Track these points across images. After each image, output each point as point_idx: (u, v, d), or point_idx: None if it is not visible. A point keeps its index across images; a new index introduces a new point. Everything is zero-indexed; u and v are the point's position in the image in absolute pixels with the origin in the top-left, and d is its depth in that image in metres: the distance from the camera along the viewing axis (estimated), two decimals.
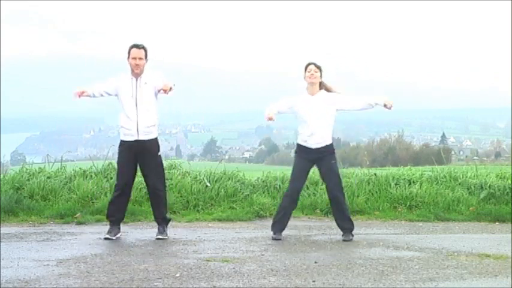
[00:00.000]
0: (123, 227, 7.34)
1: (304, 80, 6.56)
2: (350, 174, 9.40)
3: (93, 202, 8.17)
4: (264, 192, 8.76)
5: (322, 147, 6.48)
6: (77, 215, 7.76)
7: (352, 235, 6.57)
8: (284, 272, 4.95)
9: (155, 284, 4.50)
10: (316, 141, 6.47)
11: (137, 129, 6.40)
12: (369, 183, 8.95)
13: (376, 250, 5.97)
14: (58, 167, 9.52)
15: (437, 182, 9.15)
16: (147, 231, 7.08)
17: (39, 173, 9.15)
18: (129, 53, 6.43)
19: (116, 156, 6.75)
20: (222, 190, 8.59)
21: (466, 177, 9.37)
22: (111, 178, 8.72)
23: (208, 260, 5.35)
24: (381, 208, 8.48)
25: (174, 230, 7.10)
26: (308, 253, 5.78)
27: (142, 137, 6.41)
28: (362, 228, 7.35)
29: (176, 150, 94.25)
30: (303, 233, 6.96)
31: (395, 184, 8.98)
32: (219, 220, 7.81)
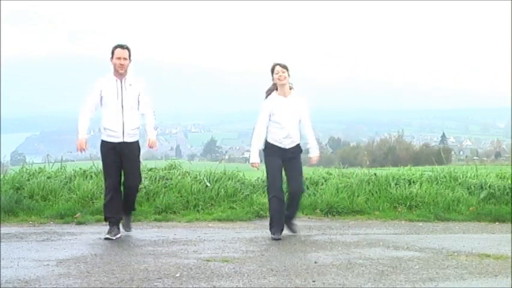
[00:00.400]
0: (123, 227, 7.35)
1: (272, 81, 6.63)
2: (350, 174, 9.40)
3: (93, 202, 8.17)
4: (264, 192, 8.75)
5: (294, 147, 6.66)
6: (77, 215, 7.76)
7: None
8: (284, 272, 4.95)
9: (155, 284, 4.50)
10: (291, 141, 6.62)
11: (123, 132, 6.41)
12: (369, 183, 8.95)
13: (376, 250, 5.97)
14: (58, 167, 9.53)
15: (437, 182, 9.15)
16: (147, 231, 7.08)
17: (39, 173, 9.16)
18: (113, 53, 6.43)
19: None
20: (222, 190, 8.59)
21: (466, 177, 9.36)
22: None
23: (208, 260, 5.35)
24: (380, 208, 8.47)
25: (174, 230, 7.11)
26: (308, 253, 5.78)
27: (126, 139, 6.44)
28: (362, 228, 7.36)
29: (176, 150, 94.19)
30: (303, 233, 6.96)
31: (395, 184, 8.98)
32: (219, 220, 7.80)
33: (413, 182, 9.09)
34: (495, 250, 5.99)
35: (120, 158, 6.48)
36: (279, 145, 6.61)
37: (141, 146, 6.67)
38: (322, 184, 9.06)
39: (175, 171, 9.19)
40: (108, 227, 6.56)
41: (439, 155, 16.22)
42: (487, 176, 9.42)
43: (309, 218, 8.17)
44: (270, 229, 6.64)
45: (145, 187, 8.52)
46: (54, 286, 4.43)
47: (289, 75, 6.60)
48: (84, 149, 6.42)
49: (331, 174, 9.58)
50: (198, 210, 8.25)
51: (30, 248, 5.91)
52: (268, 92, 6.70)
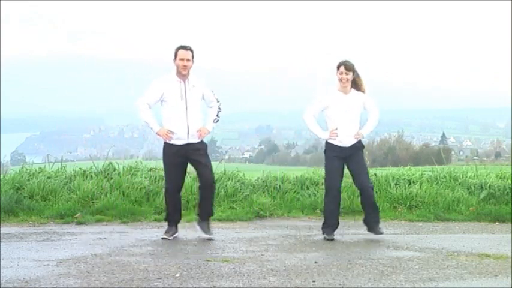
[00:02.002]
0: (123, 227, 7.36)
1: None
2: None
3: (93, 202, 8.17)
4: (264, 192, 8.76)
5: (354, 144, 6.60)
6: (77, 215, 7.76)
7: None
8: (284, 272, 4.95)
9: (155, 284, 4.50)
10: (350, 140, 6.56)
11: (188, 133, 6.38)
12: None
13: (376, 250, 5.97)
14: (58, 167, 9.53)
15: (437, 182, 9.15)
16: (147, 231, 7.08)
17: (39, 173, 9.15)
18: (176, 54, 6.38)
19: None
20: (222, 190, 8.58)
21: (466, 177, 9.37)
22: (111, 178, 8.73)
23: (208, 260, 5.35)
24: (381, 208, 8.43)
25: None
26: (308, 253, 5.78)
27: (191, 140, 6.41)
28: (362, 228, 7.35)
29: None
30: (303, 233, 6.96)
31: (395, 184, 8.98)
32: (219, 220, 7.80)
33: (413, 182, 9.09)
34: (495, 250, 5.99)
35: (185, 160, 6.46)
36: (338, 144, 6.57)
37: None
38: (322, 184, 9.04)
39: None
40: (166, 227, 6.66)
41: (439, 155, 16.24)
42: (487, 176, 9.42)
43: (309, 218, 8.17)
44: (323, 229, 6.66)
45: (145, 187, 8.52)
46: (54, 286, 4.43)
47: (353, 74, 6.52)
48: (171, 136, 6.37)
49: None
50: None
51: (30, 248, 5.91)
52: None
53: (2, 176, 8.84)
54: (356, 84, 6.63)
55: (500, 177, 9.40)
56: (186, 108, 6.36)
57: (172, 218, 6.66)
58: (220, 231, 7.12)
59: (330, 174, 6.64)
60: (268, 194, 8.76)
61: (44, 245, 6.13)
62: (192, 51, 6.42)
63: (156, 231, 7.06)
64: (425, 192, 8.74)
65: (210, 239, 6.47)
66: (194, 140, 6.42)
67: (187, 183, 8.63)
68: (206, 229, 6.57)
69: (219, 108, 6.65)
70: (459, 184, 9.11)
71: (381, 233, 6.62)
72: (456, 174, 9.48)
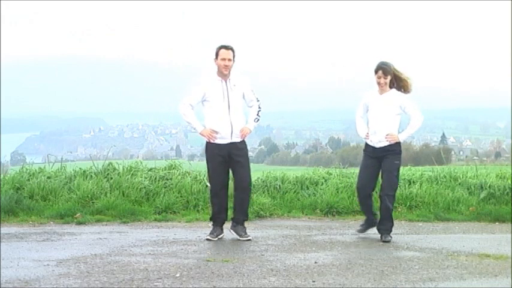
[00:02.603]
0: (123, 227, 7.36)
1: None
2: (350, 174, 9.39)
3: (93, 202, 8.16)
4: (264, 192, 8.76)
5: (385, 147, 6.56)
6: (77, 215, 7.76)
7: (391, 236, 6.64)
8: (284, 272, 4.95)
9: (155, 284, 4.50)
10: (378, 139, 6.56)
11: (231, 132, 6.41)
12: None
13: (376, 250, 5.97)
14: (58, 167, 9.52)
15: (437, 182, 9.14)
16: (147, 231, 7.08)
17: (39, 173, 9.15)
18: (217, 54, 6.40)
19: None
20: None
21: (466, 177, 9.36)
22: (111, 178, 8.72)
23: (208, 260, 5.35)
24: None
25: (174, 230, 7.11)
26: (308, 253, 5.78)
27: (234, 139, 6.44)
28: None
29: (176, 150, 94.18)
30: (303, 233, 6.96)
31: None
32: None
33: (413, 182, 9.09)
34: (495, 250, 5.99)
35: (228, 159, 6.48)
36: (370, 143, 6.64)
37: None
38: (322, 184, 9.06)
39: (175, 171, 9.18)
40: (211, 228, 6.64)
41: (439, 155, 16.22)
42: (487, 176, 9.42)
43: (309, 218, 8.17)
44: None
45: (145, 187, 8.52)
46: (54, 286, 4.43)
47: (391, 75, 6.54)
48: (215, 136, 6.41)
49: (331, 174, 9.57)
50: (198, 210, 8.25)
51: (30, 248, 5.91)
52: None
53: (2, 176, 8.84)
54: (398, 85, 6.63)
55: (500, 177, 9.40)
56: (229, 107, 6.38)
57: (218, 218, 6.64)
58: None
59: (359, 173, 6.81)
60: (268, 194, 8.75)
61: (44, 245, 6.13)
62: (233, 51, 6.43)
63: (156, 231, 7.06)
64: (425, 192, 8.74)
65: (247, 240, 6.45)
66: (237, 139, 6.46)
67: (187, 184, 8.65)
68: (242, 233, 6.55)
69: (259, 107, 6.64)
70: (459, 184, 9.11)
71: (387, 241, 6.54)
72: (456, 174, 9.48)
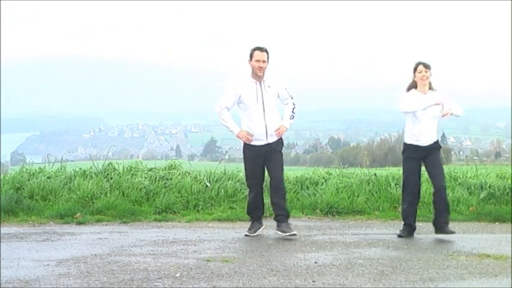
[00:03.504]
0: (123, 227, 7.36)
1: (414, 80, 6.66)
2: (350, 174, 9.41)
3: (93, 202, 8.17)
4: (263, 192, 8.74)
5: (431, 144, 6.61)
6: (77, 215, 7.76)
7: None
8: (284, 272, 4.95)
9: (155, 284, 4.50)
10: (427, 138, 6.58)
11: (266, 134, 6.47)
12: (369, 183, 8.95)
13: (376, 250, 5.97)
14: (58, 167, 9.53)
15: None
16: (147, 231, 7.08)
17: (39, 173, 9.15)
18: (251, 55, 6.43)
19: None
20: (222, 190, 8.59)
21: (466, 177, 9.36)
22: (111, 178, 8.73)
23: (208, 260, 5.35)
24: (380, 208, 8.48)
25: (174, 230, 7.11)
26: (308, 253, 5.78)
27: (270, 140, 6.51)
28: (362, 228, 7.36)
29: (176, 150, 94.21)
30: (303, 233, 6.96)
31: (395, 184, 8.97)
32: (219, 220, 7.80)
33: None
34: (495, 250, 5.99)
35: (264, 159, 6.54)
36: (415, 143, 6.60)
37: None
38: (322, 184, 9.06)
39: (175, 171, 9.19)
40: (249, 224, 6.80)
41: None
42: (487, 176, 9.42)
43: (309, 218, 8.17)
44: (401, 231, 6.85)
45: (145, 187, 8.52)
46: (54, 286, 4.43)
47: (431, 74, 6.59)
48: (251, 139, 6.49)
49: (331, 174, 9.58)
50: (198, 210, 8.25)
51: (30, 248, 5.91)
52: (408, 89, 6.74)
53: (2, 176, 8.85)
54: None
55: (500, 177, 9.40)
56: (264, 109, 6.43)
57: (254, 214, 6.76)
58: (220, 231, 7.12)
59: (409, 178, 6.75)
60: (268, 193, 8.74)
61: (44, 245, 6.13)
62: (267, 52, 6.45)
63: (156, 231, 7.07)
64: (425, 192, 8.73)
65: (291, 236, 6.51)
66: (272, 139, 6.53)
67: (187, 184, 8.65)
68: (287, 229, 6.59)
69: (294, 104, 6.67)
70: (459, 184, 9.11)
71: (452, 232, 6.61)
72: (456, 174, 9.48)
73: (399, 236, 6.71)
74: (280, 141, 6.66)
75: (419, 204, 8.50)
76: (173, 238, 6.55)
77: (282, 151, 6.74)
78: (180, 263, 5.21)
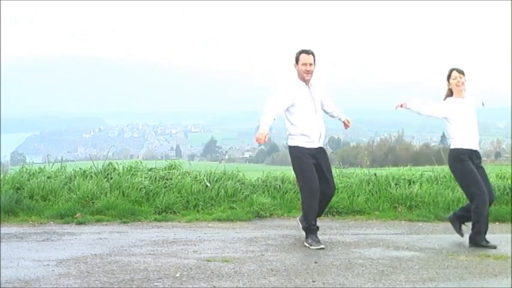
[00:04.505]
0: (123, 227, 7.36)
1: (449, 87, 6.54)
2: (350, 174, 9.40)
3: (93, 202, 8.17)
4: (264, 193, 8.76)
5: (477, 151, 6.44)
6: (77, 215, 7.76)
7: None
8: (284, 272, 4.95)
9: (155, 284, 4.50)
10: (476, 141, 6.45)
11: (319, 137, 6.35)
12: (369, 183, 8.94)
13: (376, 250, 5.97)
14: (58, 167, 9.52)
15: (437, 182, 9.14)
16: (147, 231, 7.08)
17: (39, 173, 9.15)
18: (297, 59, 6.28)
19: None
20: (222, 190, 8.58)
21: None
22: (111, 178, 8.72)
23: (208, 260, 5.35)
24: (380, 208, 8.47)
25: (174, 230, 7.11)
26: (308, 253, 5.78)
27: (320, 144, 6.41)
28: (362, 228, 7.36)
29: (176, 150, 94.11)
30: (303, 233, 6.95)
31: (395, 184, 8.97)
32: (219, 220, 7.80)
33: (413, 182, 9.08)
34: (495, 250, 5.99)
35: (317, 163, 6.33)
36: (469, 147, 6.35)
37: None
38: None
39: (175, 171, 9.19)
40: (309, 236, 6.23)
41: (439, 155, 16.19)
42: None
43: None
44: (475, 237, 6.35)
45: (145, 187, 8.52)
46: (54, 286, 4.43)
47: (465, 80, 6.48)
48: (264, 140, 6.18)
49: None
50: (198, 210, 8.25)
51: (30, 248, 5.91)
52: (445, 99, 6.58)
53: (2, 176, 8.84)
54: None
55: (500, 177, 9.40)
56: (316, 112, 6.32)
57: (314, 227, 6.29)
58: (220, 231, 7.12)
59: (475, 181, 6.21)
60: (268, 194, 8.75)
61: (44, 245, 6.13)
62: (313, 55, 6.32)
63: (156, 231, 7.07)
64: (425, 192, 8.74)
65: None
66: (321, 143, 6.43)
67: (187, 184, 8.64)
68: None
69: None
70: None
71: (491, 245, 6.14)
72: None
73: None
74: (326, 150, 6.64)
75: (419, 204, 8.55)
76: (173, 238, 6.55)
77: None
78: (180, 263, 5.21)
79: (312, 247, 6.01)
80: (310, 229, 6.19)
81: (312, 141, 6.29)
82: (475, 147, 6.44)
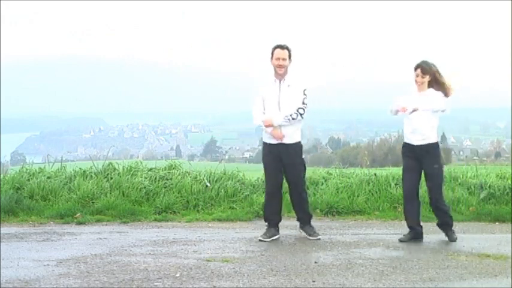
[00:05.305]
0: (123, 227, 7.36)
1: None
2: (350, 174, 9.40)
3: (93, 202, 8.17)
4: (264, 192, 8.74)
5: (424, 145, 6.44)
6: (77, 215, 7.76)
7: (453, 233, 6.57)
8: (284, 272, 4.95)
9: (155, 284, 4.50)
10: (419, 138, 6.44)
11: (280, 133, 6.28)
12: (369, 183, 8.94)
13: (376, 250, 5.97)
14: (58, 167, 9.53)
15: None
16: (147, 231, 7.08)
17: (39, 173, 9.15)
18: (272, 53, 6.31)
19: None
20: (222, 190, 8.58)
21: (466, 177, 9.35)
22: (111, 178, 8.73)
23: (208, 260, 5.35)
24: (380, 208, 8.47)
25: (174, 230, 7.11)
26: (308, 253, 5.78)
27: (285, 141, 6.32)
28: (362, 228, 7.36)
29: (176, 150, 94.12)
30: (303, 233, 6.95)
31: (395, 184, 8.96)
32: (219, 220, 7.80)
33: None
34: (495, 250, 5.99)
35: (281, 161, 6.36)
36: (408, 141, 6.52)
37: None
38: (322, 184, 9.05)
39: (175, 171, 9.19)
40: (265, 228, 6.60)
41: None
42: (487, 176, 9.41)
43: None
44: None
45: (145, 187, 8.52)
46: (54, 286, 4.44)
47: (431, 74, 6.41)
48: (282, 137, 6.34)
49: (331, 174, 9.57)
50: (198, 210, 8.25)
51: (30, 248, 5.91)
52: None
53: (2, 176, 8.84)
54: (438, 84, 6.51)
55: (500, 177, 9.39)
56: (279, 109, 6.28)
57: (271, 219, 6.58)
58: (220, 231, 7.12)
59: (402, 176, 6.65)
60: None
61: (44, 245, 6.13)
62: (289, 50, 6.31)
63: (156, 231, 7.07)
64: (425, 192, 8.73)
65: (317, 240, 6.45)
66: (287, 140, 6.34)
67: (187, 184, 8.65)
68: (311, 232, 6.55)
69: (298, 111, 6.34)
70: (459, 184, 9.10)
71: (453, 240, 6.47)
72: (456, 174, 9.47)
73: (400, 240, 6.50)
74: (296, 144, 6.44)
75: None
76: (173, 238, 6.55)
77: (299, 153, 6.51)
78: (180, 263, 5.21)
79: (261, 237, 6.42)
80: (268, 222, 6.55)
81: (272, 137, 6.33)
82: (413, 141, 6.48)
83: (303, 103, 6.37)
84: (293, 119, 6.33)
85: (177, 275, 4.78)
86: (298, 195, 6.57)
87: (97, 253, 5.67)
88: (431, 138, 6.47)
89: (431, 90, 6.52)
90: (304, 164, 6.68)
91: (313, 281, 4.63)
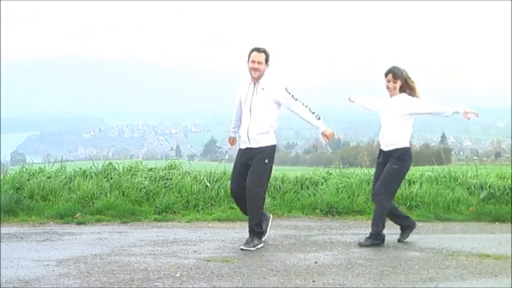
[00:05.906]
0: (123, 227, 7.36)
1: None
2: (350, 174, 9.40)
3: (93, 202, 8.17)
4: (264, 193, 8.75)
5: (390, 150, 6.37)
6: (77, 215, 7.76)
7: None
8: (284, 272, 4.95)
9: (155, 284, 4.50)
10: (387, 143, 6.41)
11: (248, 137, 6.14)
12: (369, 183, 8.94)
13: (376, 250, 5.97)
14: (58, 167, 9.53)
15: (437, 182, 9.14)
16: (147, 231, 7.08)
17: (39, 173, 9.15)
18: (249, 56, 6.21)
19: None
20: (222, 190, 8.58)
21: (466, 177, 9.36)
22: (111, 178, 8.73)
23: (208, 260, 5.35)
24: None
25: (174, 230, 7.11)
26: (308, 253, 5.78)
27: (252, 145, 6.15)
28: (362, 228, 7.35)
29: (176, 150, 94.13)
30: (303, 233, 6.96)
31: None
32: (219, 220, 7.80)
33: (413, 182, 9.09)
34: (495, 250, 5.99)
35: (247, 163, 6.19)
36: (380, 146, 6.53)
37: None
38: (322, 184, 9.06)
39: (175, 171, 9.19)
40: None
41: (439, 155, 16.20)
42: (487, 176, 9.42)
43: (309, 218, 8.17)
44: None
45: (145, 187, 8.52)
46: (54, 286, 4.44)
47: (401, 80, 6.39)
48: (232, 144, 6.64)
49: (331, 174, 9.58)
50: (198, 210, 8.25)
51: (30, 248, 5.91)
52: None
53: (2, 176, 8.84)
54: (410, 89, 6.50)
55: (500, 177, 9.40)
56: (250, 112, 6.17)
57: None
58: (220, 231, 7.12)
59: (374, 182, 6.57)
60: (268, 194, 8.73)
61: (44, 245, 6.13)
62: (266, 53, 6.19)
63: (156, 231, 7.07)
64: (425, 192, 8.74)
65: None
66: (255, 144, 6.12)
67: (187, 184, 8.65)
68: (248, 240, 6.15)
69: (306, 105, 6.18)
70: (459, 184, 9.11)
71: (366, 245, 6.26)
72: (456, 174, 9.47)
73: (359, 244, 6.24)
74: (265, 148, 6.13)
75: (419, 204, 8.54)
76: (173, 238, 6.55)
77: (267, 157, 6.14)
78: (180, 263, 5.21)
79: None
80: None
81: (243, 141, 6.26)
82: (382, 146, 6.48)
83: (297, 99, 6.16)
84: (313, 113, 6.26)
85: (177, 275, 4.78)
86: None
87: (97, 253, 5.67)
88: (400, 143, 6.37)
89: (404, 94, 6.48)
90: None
91: (313, 281, 4.64)
